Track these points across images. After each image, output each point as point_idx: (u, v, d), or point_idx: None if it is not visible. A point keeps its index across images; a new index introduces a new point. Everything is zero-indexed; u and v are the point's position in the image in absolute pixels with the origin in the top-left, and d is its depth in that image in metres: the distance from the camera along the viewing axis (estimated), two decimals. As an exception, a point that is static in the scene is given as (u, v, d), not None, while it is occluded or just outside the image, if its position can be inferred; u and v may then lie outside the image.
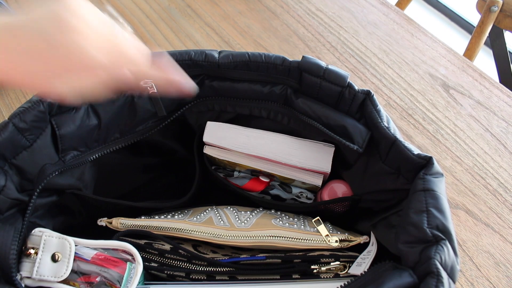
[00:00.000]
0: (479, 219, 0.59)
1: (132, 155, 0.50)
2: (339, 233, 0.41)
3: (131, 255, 0.39)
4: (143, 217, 0.45)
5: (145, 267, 0.40)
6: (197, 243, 0.45)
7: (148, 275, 0.43)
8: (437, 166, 0.35)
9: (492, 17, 0.89)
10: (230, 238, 0.41)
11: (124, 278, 0.38)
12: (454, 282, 0.30)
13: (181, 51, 0.44)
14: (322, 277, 0.40)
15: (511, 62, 0.96)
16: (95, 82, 0.33)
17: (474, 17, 1.78)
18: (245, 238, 0.41)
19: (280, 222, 0.42)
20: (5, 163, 0.38)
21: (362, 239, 0.41)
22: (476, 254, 0.56)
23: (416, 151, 0.37)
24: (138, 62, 0.35)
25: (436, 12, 1.97)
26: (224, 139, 0.46)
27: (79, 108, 0.41)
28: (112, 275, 0.38)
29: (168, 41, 0.80)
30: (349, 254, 0.40)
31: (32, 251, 0.38)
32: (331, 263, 0.39)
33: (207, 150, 0.48)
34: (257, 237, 0.41)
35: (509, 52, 0.97)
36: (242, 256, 0.42)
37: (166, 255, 0.42)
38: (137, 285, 0.38)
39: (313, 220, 0.42)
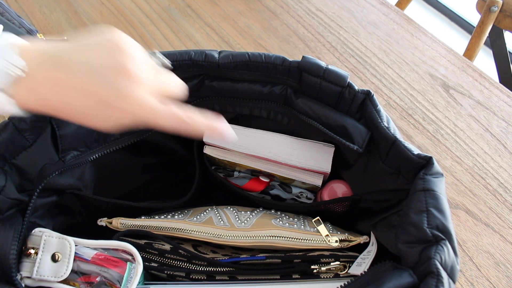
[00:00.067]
0: (479, 219, 0.59)
1: (132, 155, 0.50)
2: (339, 233, 0.41)
3: (131, 255, 0.39)
4: (143, 217, 0.45)
5: (145, 267, 0.40)
6: (197, 243, 0.45)
7: (148, 275, 0.43)
8: (437, 166, 0.35)
9: (492, 17, 0.89)
10: (230, 238, 0.41)
11: (124, 278, 0.38)
12: (454, 282, 0.30)
13: (181, 51, 0.44)
14: (322, 277, 0.40)
15: (511, 62, 0.96)
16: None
17: (474, 17, 1.78)
18: (245, 238, 0.41)
19: (280, 222, 0.42)
20: (5, 163, 0.38)
21: (362, 239, 0.41)
22: (476, 254, 0.56)
23: (416, 151, 0.37)
24: (183, 106, 0.35)
25: (436, 12, 1.98)
26: None
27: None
28: (112, 275, 0.38)
29: (168, 41, 0.80)
30: (349, 254, 0.40)
31: (32, 251, 0.38)
32: (331, 263, 0.39)
33: (207, 150, 0.48)
34: (257, 237, 0.41)
35: (509, 52, 0.98)
36: (242, 256, 0.42)
37: (166, 255, 0.42)
38: (137, 285, 0.38)
39: (313, 220, 0.42)
